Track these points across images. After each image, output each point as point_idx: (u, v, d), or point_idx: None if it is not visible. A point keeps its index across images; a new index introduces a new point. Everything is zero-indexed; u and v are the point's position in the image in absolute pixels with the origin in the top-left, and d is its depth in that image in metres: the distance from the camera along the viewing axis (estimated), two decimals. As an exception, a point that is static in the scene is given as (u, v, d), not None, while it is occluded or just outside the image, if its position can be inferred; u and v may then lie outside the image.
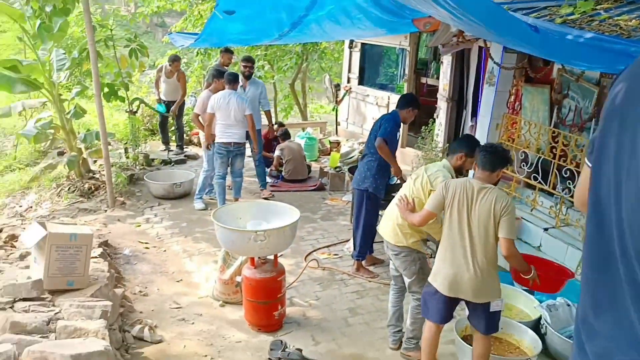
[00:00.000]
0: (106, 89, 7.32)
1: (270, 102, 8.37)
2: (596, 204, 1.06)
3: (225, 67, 7.87)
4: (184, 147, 9.05)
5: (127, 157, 7.88)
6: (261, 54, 11.52)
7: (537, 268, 3.25)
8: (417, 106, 4.90)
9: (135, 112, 8.35)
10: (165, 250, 5.34)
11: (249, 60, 6.96)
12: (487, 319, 3.21)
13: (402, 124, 4.94)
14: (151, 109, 9.58)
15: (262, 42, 8.61)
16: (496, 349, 3.83)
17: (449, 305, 3.26)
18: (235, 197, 6.47)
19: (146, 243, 5.45)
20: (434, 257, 3.36)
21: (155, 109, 8.68)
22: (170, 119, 8.74)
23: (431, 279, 3.27)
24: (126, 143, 8.27)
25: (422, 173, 3.59)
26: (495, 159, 3.15)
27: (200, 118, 6.53)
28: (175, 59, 8.53)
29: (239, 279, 4.22)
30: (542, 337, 3.82)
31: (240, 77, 6.52)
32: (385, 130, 4.75)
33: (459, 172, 3.63)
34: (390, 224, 3.66)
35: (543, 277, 3.29)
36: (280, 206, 4.47)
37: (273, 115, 10.36)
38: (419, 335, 3.71)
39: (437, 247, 3.92)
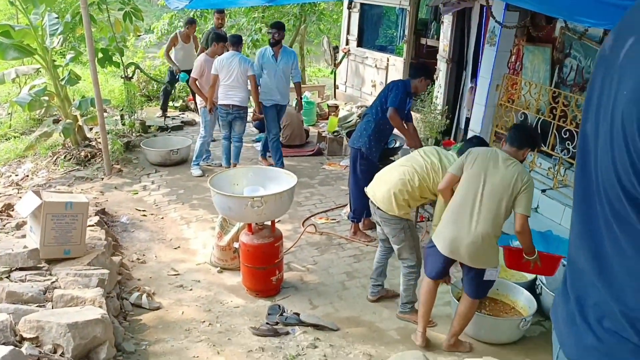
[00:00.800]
0: (100, 55, 7.21)
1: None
2: (582, 144, 1.10)
3: (221, 30, 7.74)
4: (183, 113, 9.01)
5: (124, 124, 7.81)
6: (258, 16, 11.26)
7: (520, 253, 3.26)
8: (430, 76, 4.83)
9: (131, 77, 8.23)
10: (162, 218, 5.34)
11: (273, 27, 6.35)
12: (477, 285, 3.26)
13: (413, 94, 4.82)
14: (147, 75, 9.46)
15: (258, 3, 8.40)
16: (492, 310, 3.87)
17: (446, 263, 3.34)
18: (234, 163, 6.46)
19: (143, 210, 5.44)
20: (431, 220, 3.37)
21: (178, 78, 8.41)
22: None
23: (434, 237, 3.33)
24: (122, 110, 8.18)
25: (438, 164, 3.57)
26: (524, 137, 3.19)
27: (197, 82, 6.43)
28: (192, 22, 8.34)
29: (236, 245, 4.22)
30: (537, 297, 3.85)
31: (271, 47, 6.27)
32: (396, 98, 4.61)
33: None
34: (384, 189, 3.63)
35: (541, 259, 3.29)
36: (277, 172, 4.44)
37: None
38: (413, 300, 3.77)
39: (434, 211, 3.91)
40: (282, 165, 6.27)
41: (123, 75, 7.98)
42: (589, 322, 1.11)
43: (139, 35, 11.29)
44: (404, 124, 4.80)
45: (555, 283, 3.88)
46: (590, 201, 1.07)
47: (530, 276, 4.07)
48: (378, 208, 3.66)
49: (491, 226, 3.08)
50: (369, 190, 3.80)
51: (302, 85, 6.59)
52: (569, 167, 5.04)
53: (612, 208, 1.00)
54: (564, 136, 4.86)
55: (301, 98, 6.88)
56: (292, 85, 6.63)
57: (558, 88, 5.36)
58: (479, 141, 3.79)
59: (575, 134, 4.73)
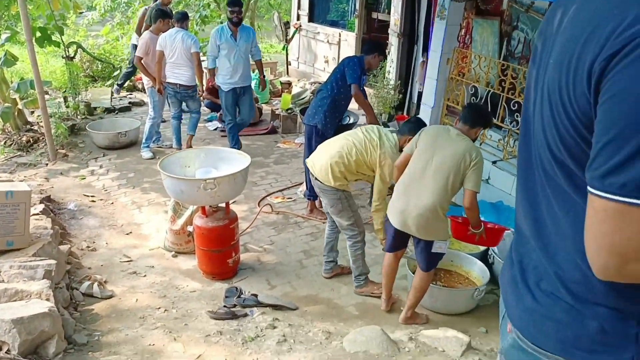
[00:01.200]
0: (38, 34, 6.84)
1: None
2: (524, 115, 1.15)
3: (167, 6, 7.47)
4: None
5: (67, 107, 7.47)
6: (206, -9, 10.93)
7: (466, 226, 3.38)
8: (383, 52, 4.89)
9: (73, 57, 7.86)
10: (112, 203, 5.17)
11: (235, 4, 5.81)
12: (426, 257, 3.32)
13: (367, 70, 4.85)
14: (90, 54, 9.07)
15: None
16: (446, 281, 3.95)
17: (399, 237, 3.40)
18: (190, 134, 6.32)
19: (92, 196, 5.25)
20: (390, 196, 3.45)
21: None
22: None
23: (387, 211, 3.40)
24: (65, 91, 7.81)
25: (377, 142, 3.63)
26: (477, 116, 3.25)
27: (143, 61, 6.20)
28: None
29: (190, 228, 4.13)
30: (489, 267, 3.94)
31: (228, 24, 5.82)
32: (356, 75, 4.63)
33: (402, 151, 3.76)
34: (323, 160, 3.67)
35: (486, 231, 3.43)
36: (230, 152, 4.35)
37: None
38: (365, 271, 3.83)
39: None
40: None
41: (64, 55, 7.61)
42: (529, 285, 1.16)
43: (80, 13, 10.79)
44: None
45: (507, 252, 3.99)
46: (530, 169, 1.11)
47: (483, 246, 4.16)
48: (316, 179, 3.70)
49: (438, 199, 3.12)
50: (309, 160, 3.85)
51: (253, 62, 6.35)
52: (518, 138, 5.14)
53: (545, 173, 1.05)
54: (513, 108, 4.94)
55: (264, 76, 6.54)
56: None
57: (507, 61, 5.44)
58: (416, 120, 3.87)
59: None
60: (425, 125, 3.79)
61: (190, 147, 6.03)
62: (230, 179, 3.76)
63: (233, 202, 4.43)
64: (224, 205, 3.98)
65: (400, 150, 3.62)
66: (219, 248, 3.89)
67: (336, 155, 3.62)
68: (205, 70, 6.18)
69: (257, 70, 6.62)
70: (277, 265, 4.23)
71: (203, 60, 6.22)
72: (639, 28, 0.82)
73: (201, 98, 6.40)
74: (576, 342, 1.07)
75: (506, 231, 3.67)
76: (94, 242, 4.41)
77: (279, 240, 4.61)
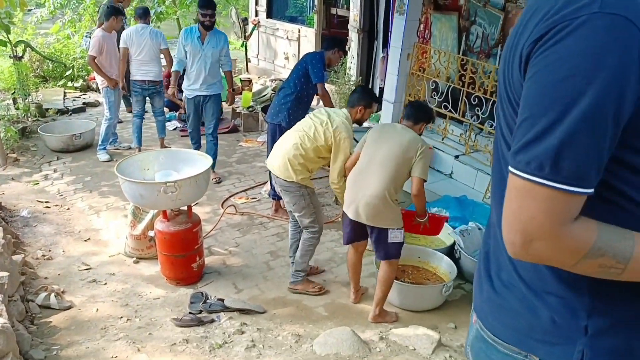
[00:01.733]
0: (-18, 33, 6.52)
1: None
2: (497, 111, 1.16)
3: (120, 3, 7.23)
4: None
5: (17, 109, 7.14)
6: (161, -14, 10.65)
7: (411, 216, 3.50)
8: (343, 48, 4.89)
9: (21, 57, 7.51)
10: (68, 209, 4.96)
11: (208, 7, 5.16)
12: (384, 246, 3.35)
13: (327, 66, 4.85)
14: (39, 54, 8.71)
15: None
16: (415, 277, 3.96)
17: (355, 228, 3.43)
18: (161, 137, 6.26)
19: (46, 202, 5.03)
20: None
21: None
22: None
23: (343, 204, 3.45)
24: (14, 93, 7.47)
25: (326, 120, 3.59)
26: (419, 112, 3.38)
27: (96, 60, 5.96)
28: None
29: (151, 233, 4.00)
30: (456, 261, 3.97)
31: (199, 27, 5.25)
32: (320, 73, 4.61)
33: (359, 123, 3.81)
34: (280, 157, 3.63)
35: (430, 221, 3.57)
36: (191, 153, 4.23)
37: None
38: (306, 268, 3.84)
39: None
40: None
41: (12, 55, 7.27)
42: (491, 275, 1.17)
43: (28, 10, 10.36)
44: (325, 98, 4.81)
45: (473, 246, 4.03)
46: (497, 158, 1.14)
47: (449, 242, 4.19)
48: (277, 177, 3.65)
49: (386, 186, 3.17)
50: (268, 162, 3.80)
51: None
52: (479, 133, 5.21)
53: (504, 160, 1.06)
54: (473, 103, 5.00)
55: (233, 89, 5.90)
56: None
57: (465, 55, 5.49)
58: (362, 89, 3.93)
59: (483, 100, 4.88)
60: (372, 92, 3.94)
61: (166, 147, 6.16)
62: (192, 181, 3.65)
63: (195, 204, 4.31)
64: (186, 208, 3.87)
65: (355, 122, 3.70)
66: (183, 253, 3.78)
67: (292, 149, 3.58)
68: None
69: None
70: (244, 267, 4.14)
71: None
72: (563, 14, 0.84)
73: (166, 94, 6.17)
74: (529, 333, 1.07)
75: (446, 220, 3.84)
76: (49, 251, 4.22)
77: (244, 242, 4.52)
